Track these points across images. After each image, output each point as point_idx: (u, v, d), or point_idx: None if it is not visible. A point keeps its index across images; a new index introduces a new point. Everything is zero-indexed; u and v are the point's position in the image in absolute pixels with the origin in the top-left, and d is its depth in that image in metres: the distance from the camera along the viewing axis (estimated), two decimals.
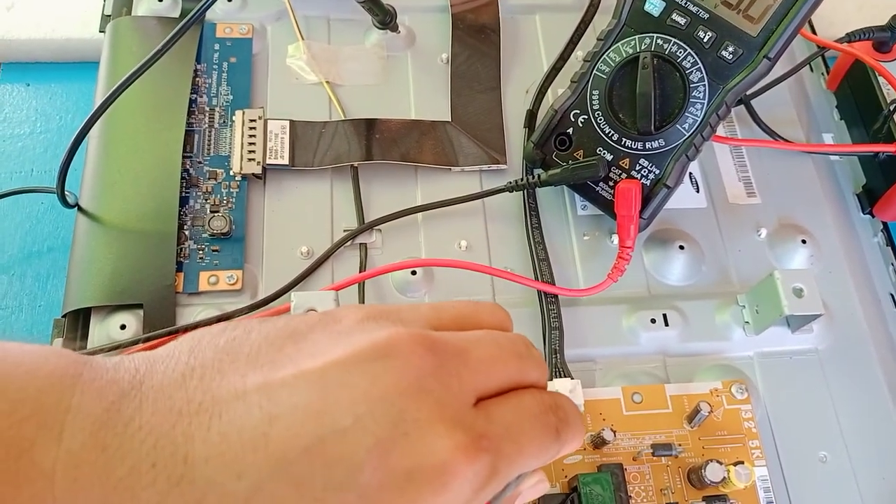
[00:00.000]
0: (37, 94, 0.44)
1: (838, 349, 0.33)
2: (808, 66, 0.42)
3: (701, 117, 0.31)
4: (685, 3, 0.31)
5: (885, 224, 0.39)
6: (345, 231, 0.34)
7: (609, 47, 0.32)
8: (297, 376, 0.17)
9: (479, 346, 0.19)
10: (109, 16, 0.39)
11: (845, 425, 0.32)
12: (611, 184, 0.33)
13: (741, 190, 0.37)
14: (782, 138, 0.38)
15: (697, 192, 0.37)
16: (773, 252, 0.36)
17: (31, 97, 0.44)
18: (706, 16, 0.30)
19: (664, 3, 0.31)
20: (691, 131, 0.32)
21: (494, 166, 0.36)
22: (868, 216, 0.39)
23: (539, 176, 0.34)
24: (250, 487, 0.15)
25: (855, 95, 0.41)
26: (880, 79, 0.38)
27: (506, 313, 0.21)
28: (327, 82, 0.37)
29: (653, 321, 0.33)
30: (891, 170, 0.37)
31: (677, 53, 0.31)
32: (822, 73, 0.43)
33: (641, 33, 0.31)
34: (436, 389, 0.17)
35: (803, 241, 0.35)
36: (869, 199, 0.39)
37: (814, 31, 0.43)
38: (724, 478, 0.28)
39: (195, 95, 0.36)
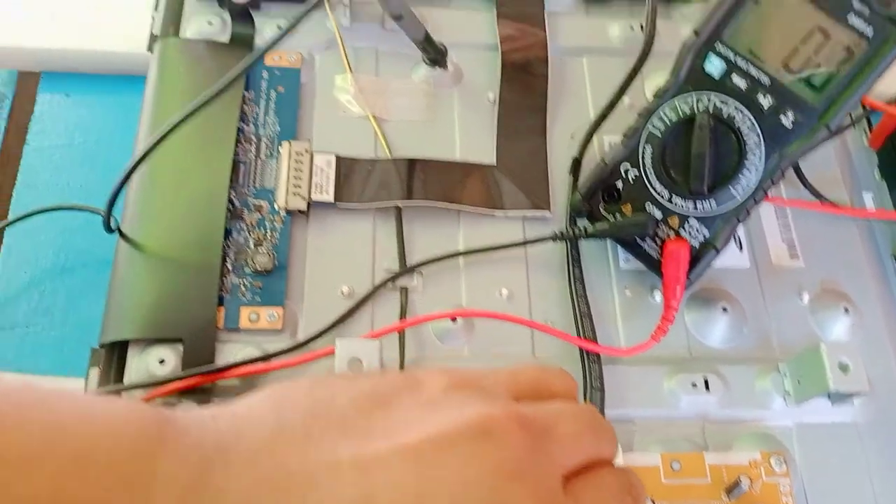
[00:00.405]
0: (76, 105, 0.44)
1: (878, 423, 0.33)
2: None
3: (755, 182, 0.31)
4: (747, 67, 0.30)
5: None
6: (386, 272, 0.34)
7: (665, 104, 0.32)
8: (391, 452, 0.17)
9: (563, 422, 0.19)
10: (157, 36, 0.38)
11: (881, 501, 0.31)
12: (658, 241, 0.33)
13: (784, 251, 0.37)
14: (827, 200, 0.38)
15: (741, 250, 0.36)
16: (814, 318, 0.35)
17: (69, 108, 0.44)
18: (767, 81, 0.30)
19: (725, 65, 0.31)
20: (744, 195, 0.31)
21: (538, 213, 0.36)
22: None
23: (585, 228, 0.33)
24: None
25: None
26: None
27: (573, 381, 0.22)
28: (374, 117, 0.37)
29: (694, 385, 0.32)
30: None
31: (735, 116, 0.31)
32: (865, 131, 0.43)
33: (700, 92, 0.31)
34: (531, 472, 0.17)
35: (846, 310, 0.35)
36: None
37: None
38: None
39: (242, 124, 0.36)
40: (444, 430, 0.17)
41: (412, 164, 0.36)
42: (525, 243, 0.35)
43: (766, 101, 0.30)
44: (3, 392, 0.16)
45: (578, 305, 0.33)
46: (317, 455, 0.16)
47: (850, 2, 0.28)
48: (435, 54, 0.37)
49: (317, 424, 0.17)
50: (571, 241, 0.34)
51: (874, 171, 0.42)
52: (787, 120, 0.30)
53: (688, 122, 0.31)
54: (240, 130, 0.36)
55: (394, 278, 0.34)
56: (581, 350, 0.32)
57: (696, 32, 0.30)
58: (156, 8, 0.39)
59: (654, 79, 0.39)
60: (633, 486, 0.20)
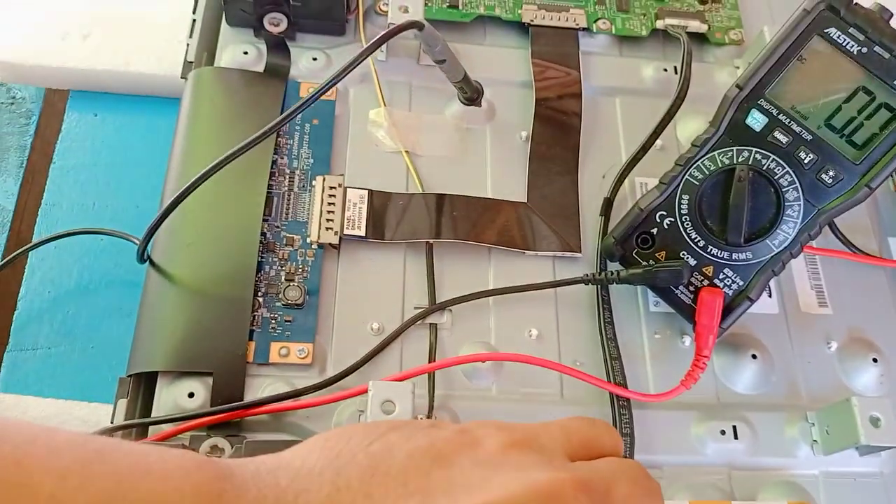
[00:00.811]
0: (104, 124, 0.44)
1: None
2: None
3: (792, 236, 0.31)
4: (789, 122, 0.30)
5: None
6: (416, 308, 0.34)
7: (704, 155, 0.32)
8: None
9: (619, 484, 0.20)
10: (192, 63, 0.38)
11: None
12: (691, 288, 0.33)
13: (813, 299, 0.37)
14: (856, 248, 0.38)
15: (770, 297, 0.36)
16: (842, 367, 0.35)
17: (97, 128, 0.44)
18: (809, 137, 0.30)
19: (767, 119, 0.31)
20: (781, 248, 0.31)
21: (568, 254, 0.36)
22: None
23: (618, 273, 0.33)
24: None
25: None
26: None
27: (619, 437, 0.23)
28: (406, 152, 0.37)
29: (723, 433, 0.32)
30: None
31: (775, 170, 0.31)
32: (892, 177, 0.43)
33: (740, 146, 0.31)
34: None
35: (874, 360, 0.35)
36: None
37: None
38: None
39: (276, 157, 0.36)
40: (508, 495, 0.17)
41: (444, 199, 0.36)
42: (556, 284, 0.35)
43: (807, 157, 0.31)
44: (66, 444, 0.16)
45: (608, 349, 0.33)
46: None
47: None
48: (472, 93, 0.37)
49: (375, 482, 0.17)
50: (603, 284, 0.34)
51: None
52: (828, 176, 0.30)
53: (727, 172, 0.32)
54: (273, 163, 0.36)
55: (423, 316, 0.33)
56: (611, 394, 0.32)
57: (739, 86, 0.30)
58: (191, 35, 0.39)
59: (686, 121, 0.40)
60: None
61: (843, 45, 0.29)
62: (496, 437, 0.19)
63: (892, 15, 0.30)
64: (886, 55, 0.29)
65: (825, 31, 0.29)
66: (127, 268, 0.40)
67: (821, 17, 0.29)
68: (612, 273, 0.34)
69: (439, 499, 0.17)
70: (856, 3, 0.29)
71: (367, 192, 0.35)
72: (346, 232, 0.34)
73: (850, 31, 0.29)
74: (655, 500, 0.21)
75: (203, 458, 0.17)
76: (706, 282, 0.32)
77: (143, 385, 0.32)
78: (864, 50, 0.29)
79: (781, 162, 0.31)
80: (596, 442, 0.22)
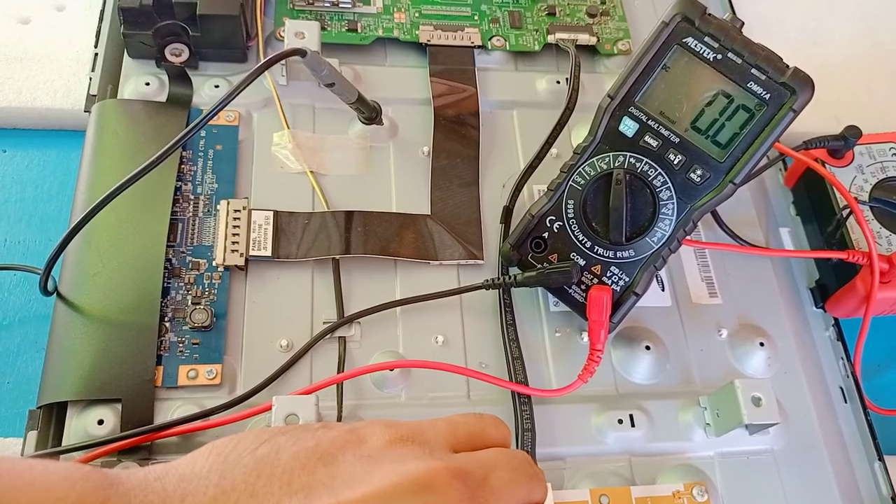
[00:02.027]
0: (13, 161, 0.44)
1: (792, 449, 0.35)
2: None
3: (669, 232, 0.33)
4: (657, 127, 0.33)
5: (836, 319, 0.41)
6: (324, 323, 0.35)
7: (584, 161, 0.34)
8: None
9: (497, 471, 0.21)
10: (95, 96, 0.39)
11: None
12: (583, 287, 0.35)
13: (704, 290, 0.39)
14: (744, 241, 0.40)
15: (663, 290, 0.39)
16: (733, 353, 0.38)
17: (6, 164, 0.44)
18: (677, 140, 0.32)
19: (638, 126, 0.33)
20: (659, 244, 0.33)
21: (472, 261, 0.37)
22: (820, 310, 0.42)
23: (515, 277, 0.35)
24: None
25: (810, 195, 0.43)
26: None
27: (507, 428, 0.24)
28: (311, 172, 0.38)
29: (620, 422, 0.34)
30: (842, 271, 0.40)
31: (648, 173, 0.33)
32: (780, 170, 0.46)
33: (615, 151, 0.33)
34: None
35: (761, 344, 0.37)
36: (821, 294, 0.42)
37: None
38: None
39: (180, 183, 0.37)
40: (386, 485, 0.18)
41: (349, 215, 0.37)
42: (459, 291, 0.36)
43: (676, 159, 0.33)
44: None
45: (510, 350, 0.35)
46: None
47: (750, 69, 0.31)
48: (370, 113, 0.38)
49: (260, 483, 0.17)
50: (503, 288, 0.36)
51: (790, 207, 0.45)
52: (696, 175, 0.33)
53: (606, 177, 0.33)
54: (177, 189, 0.36)
55: (332, 330, 0.35)
56: (513, 392, 0.34)
57: (611, 96, 0.32)
58: (93, 69, 0.39)
59: (579, 129, 0.42)
60: None
61: (701, 52, 0.32)
62: (381, 433, 0.20)
63: (743, 24, 0.32)
64: (739, 60, 0.31)
65: (683, 41, 0.32)
66: (40, 302, 0.40)
67: (678, 28, 0.32)
68: (510, 277, 0.35)
69: (321, 494, 0.18)
70: (709, 14, 0.32)
71: (272, 213, 0.36)
72: (251, 253, 0.35)
73: (705, 39, 0.31)
74: (536, 485, 0.22)
75: (89, 469, 0.17)
76: (595, 280, 0.34)
77: (54, 416, 0.32)
78: (720, 56, 0.31)
79: (654, 164, 0.33)
80: (482, 434, 0.23)
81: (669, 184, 0.33)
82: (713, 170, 0.32)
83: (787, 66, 0.31)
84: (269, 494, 0.17)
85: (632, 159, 0.33)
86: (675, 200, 0.33)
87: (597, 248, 0.34)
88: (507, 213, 0.39)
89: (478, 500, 0.19)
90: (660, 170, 0.33)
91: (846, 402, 0.39)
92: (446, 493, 0.19)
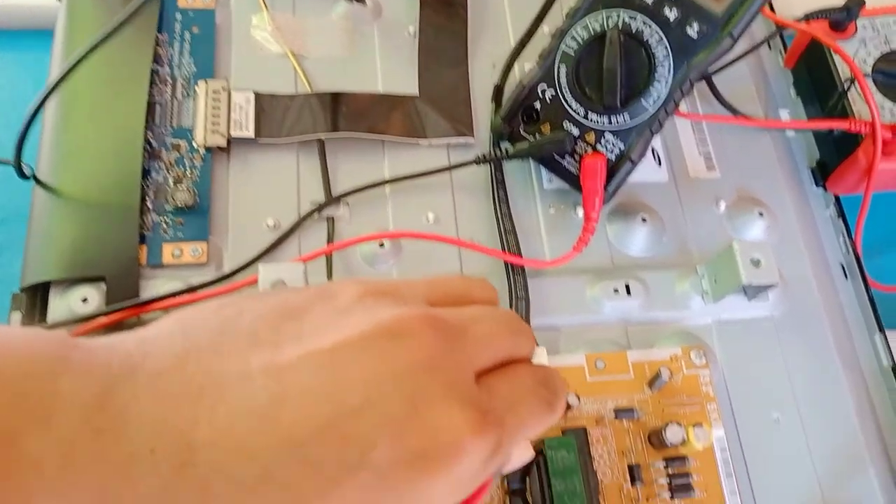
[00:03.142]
0: None
1: (792, 316, 0.35)
2: (766, 44, 0.43)
3: (665, 93, 0.32)
4: None
5: (836, 197, 0.40)
6: (312, 204, 0.34)
7: (577, 23, 0.32)
8: (303, 357, 0.16)
9: (479, 323, 0.19)
10: None
11: (797, 388, 0.33)
12: (576, 157, 0.34)
13: (701, 164, 0.38)
14: (742, 114, 0.39)
15: (659, 165, 0.38)
16: (731, 224, 0.37)
17: None
18: None
19: None
20: (655, 107, 0.32)
21: (462, 139, 0.36)
22: (821, 189, 0.41)
23: (506, 150, 0.34)
24: (261, 471, 0.15)
25: (811, 73, 0.42)
26: (836, 56, 0.40)
27: (493, 289, 0.22)
28: (293, 54, 0.37)
29: (615, 291, 0.33)
30: (843, 146, 0.39)
31: (643, 30, 0.31)
32: (780, 51, 0.44)
33: (609, 8, 0.32)
34: (445, 368, 0.17)
35: (760, 214, 0.36)
36: (822, 172, 0.41)
37: (772, 10, 0.44)
38: (684, 439, 0.29)
39: (157, 66, 0.35)
40: (357, 333, 0.17)
41: (334, 97, 0.36)
42: (449, 168, 0.35)
43: (671, 14, 0.31)
44: None
45: (503, 224, 0.34)
46: (226, 367, 0.16)
47: None
48: None
49: (225, 340, 0.17)
50: (494, 162, 0.35)
51: (790, 89, 0.43)
52: (693, 31, 0.31)
53: (599, 39, 0.32)
54: (155, 72, 0.35)
55: (320, 208, 0.34)
56: (506, 264, 0.33)
57: None
58: None
59: (571, 4, 0.40)
60: (550, 380, 0.20)
61: None
62: (352, 289, 0.19)
63: None
64: None
65: None
66: (23, 199, 0.40)
67: None
68: (502, 151, 0.34)
69: (289, 347, 0.17)
70: None
71: (252, 93, 0.35)
72: (233, 134, 0.34)
73: None
74: (523, 340, 0.21)
75: (52, 332, 0.16)
76: (589, 149, 0.33)
77: (39, 298, 0.31)
78: None
79: (649, 21, 0.31)
80: (466, 294, 0.21)
81: (665, 41, 0.31)
82: (710, 24, 0.31)
83: None
84: (235, 350, 0.16)
85: (626, 17, 0.32)
86: (671, 59, 0.32)
87: (590, 115, 0.33)
88: (498, 91, 0.37)
89: (454, 349, 0.18)
90: (655, 27, 0.31)
91: (847, 278, 0.38)
92: (420, 339, 0.17)
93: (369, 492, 0.16)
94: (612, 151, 0.33)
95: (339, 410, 0.16)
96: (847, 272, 0.38)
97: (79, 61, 0.29)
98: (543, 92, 0.34)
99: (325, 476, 0.15)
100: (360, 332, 0.17)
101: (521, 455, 0.22)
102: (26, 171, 0.33)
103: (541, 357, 0.29)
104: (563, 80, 0.33)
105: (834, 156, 0.40)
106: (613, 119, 0.33)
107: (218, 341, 0.17)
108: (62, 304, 0.30)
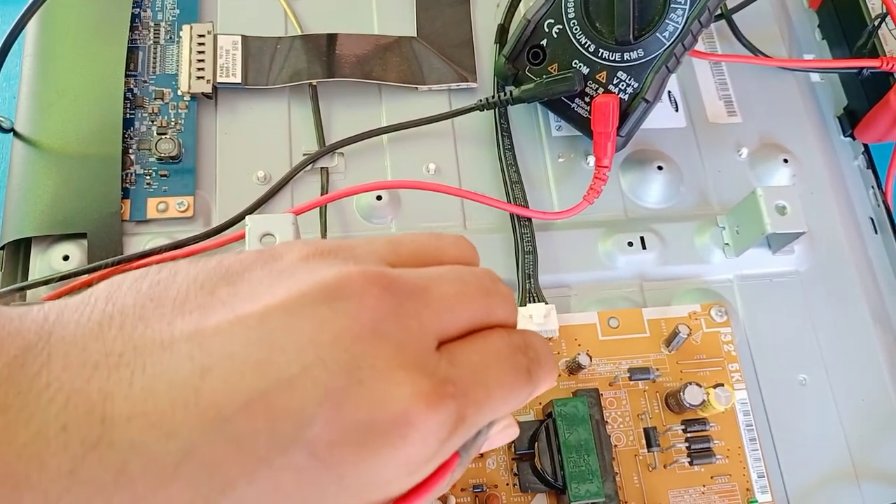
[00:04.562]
0: None
1: (819, 271, 0.33)
2: None
3: (682, 24, 0.29)
4: None
5: (865, 146, 0.38)
6: (304, 155, 0.32)
7: None
8: (232, 322, 0.14)
9: (441, 284, 0.17)
10: None
11: (825, 348, 0.31)
12: (587, 100, 0.31)
13: (721, 109, 0.35)
14: (764, 55, 0.36)
15: (676, 111, 0.35)
16: (753, 172, 0.34)
17: None
18: None
19: None
20: (672, 40, 0.30)
21: (464, 84, 0.34)
22: (849, 139, 0.38)
23: (511, 92, 0.32)
24: (181, 449, 0.13)
25: (838, 12, 0.39)
26: None
27: (471, 246, 0.19)
28: None
29: (630, 244, 0.31)
30: (874, 88, 0.36)
31: None
32: None
33: None
34: (393, 333, 0.15)
35: (785, 161, 0.34)
36: (850, 120, 0.38)
37: None
38: (704, 401, 0.27)
39: (138, 9, 0.33)
40: (293, 295, 0.15)
41: (325, 39, 0.33)
42: (451, 115, 0.33)
43: None
44: None
45: (509, 174, 0.32)
46: (149, 334, 0.14)
47: None
48: None
49: (151, 305, 0.15)
50: (499, 107, 0.33)
51: (815, 32, 0.41)
52: None
53: None
54: (136, 16, 0.33)
55: (313, 160, 0.32)
56: (512, 216, 0.31)
57: None
58: None
59: None
60: (531, 347, 0.18)
61: None
62: (299, 248, 0.17)
63: None
64: None
65: None
66: (3, 156, 0.38)
67: None
68: (506, 94, 0.32)
69: (218, 311, 0.15)
70: None
71: (240, 37, 0.33)
72: (219, 80, 0.32)
73: None
74: (498, 304, 0.18)
75: None
76: (601, 89, 0.31)
77: (21, 255, 0.30)
78: None
79: None
80: (434, 253, 0.18)
81: None
82: None
83: None
84: (160, 316, 0.14)
85: None
86: None
87: (601, 51, 0.30)
88: (503, 31, 0.35)
89: (406, 312, 0.16)
90: None
91: (877, 232, 0.36)
92: (363, 300, 0.15)
93: (305, 472, 0.14)
94: (625, 91, 0.31)
95: (270, 381, 0.14)
96: (877, 227, 0.36)
97: None
98: (550, 27, 0.31)
99: (253, 455, 0.13)
100: (297, 293, 0.15)
101: (504, 433, 0.20)
102: (5, 125, 0.31)
103: (550, 316, 0.28)
104: (572, 13, 0.31)
105: (863, 101, 0.37)
106: (626, 55, 0.30)
107: (144, 305, 0.15)
108: (44, 262, 0.29)
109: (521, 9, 0.35)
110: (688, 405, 0.27)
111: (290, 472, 0.14)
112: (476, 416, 0.16)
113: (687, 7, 0.29)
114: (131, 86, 0.32)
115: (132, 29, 0.32)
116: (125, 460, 0.13)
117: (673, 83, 0.35)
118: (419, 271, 0.17)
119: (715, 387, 0.27)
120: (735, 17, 0.37)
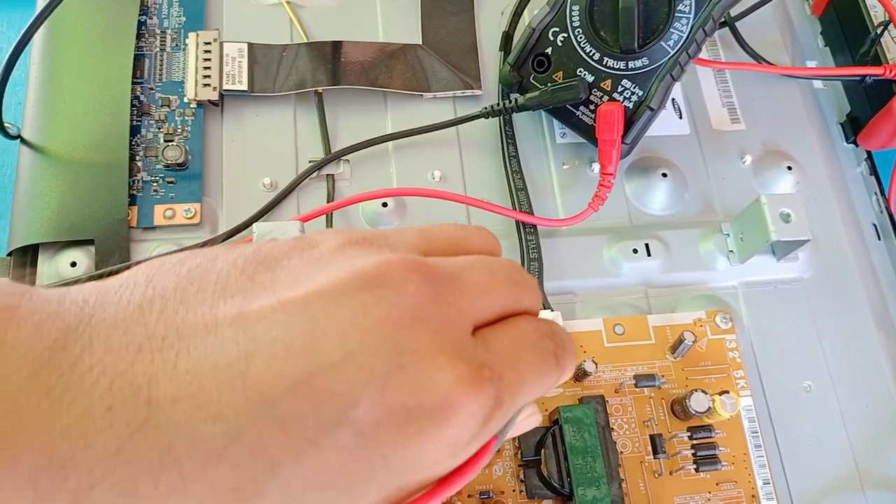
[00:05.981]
0: None
1: (823, 278, 0.33)
2: None
3: (686, 33, 0.30)
4: None
5: (868, 153, 0.38)
6: (310, 161, 0.32)
7: None
8: (275, 308, 0.15)
9: (473, 272, 0.17)
10: None
11: (829, 354, 0.31)
12: (591, 107, 0.31)
13: (725, 116, 0.36)
14: (767, 62, 0.37)
15: (680, 118, 0.35)
16: (757, 179, 0.34)
17: None
18: None
19: None
20: (676, 48, 0.30)
21: (468, 92, 0.34)
22: (852, 146, 0.38)
23: (516, 100, 0.32)
24: (228, 431, 0.13)
25: (841, 20, 0.39)
26: (867, 1, 0.37)
27: (494, 237, 0.20)
28: (287, 2, 0.35)
29: (635, 251, 0.31)
30: (876, 95, 0.36)
31: None
32: (807, 0, 0.42)
33: None
34: (433, 319, 0.16)
35: (789, 168, 0.34)
36: (853, 127, 0.38)
37: None
38: (709, 408, 0.27)
39: (144, 17, 0.33)
40: (334, 281, 0.15)
41: (331, 46, 0.34)
42: (456, 122, 0.33)
43: None
44: None
45: (514, 181, 0.32)
46: (192, 318, 0.14)
47: None
48: None
49: (192, 288, 0.15)
50: (503, 115, 0.33)
51: (817, 38, 0.41)
52: None
53: None
54: (142, 24, 0.33)
55: (319, 167, 0.32)
56: (517, 223, 0.31)
57: None
58: None
59: None
60: (556, 334, 0.18)
61: None
62: (335, 237, 0.17)
63: None
64: None
65: None
66: (11, 164, 0.38)
67: None
68: (511, 101, 0.32)
69: (260, 296, 0.15)
70: None
71: (246, 45, 0.33)
72: (226, 87, 0.32)
73: None
74: (525, 293, 0.18)
75: (4, 281, 0.14)
76: (605, 97, 0.31)
77: (28, 262, 0.30)
78: None
79: None
80: (461, 243, 0.19)
81: None
82: None
83: None
84: (202, 300, 0.15)
85: None
86: None
87: (606, 59, 0.30)
88: (507, 39, 0.35)
89: (444, 299, 0.16)
90: None
91: (880, 238, 0.36)
92: (404, 287, 0.15)
93: (350, 453, 0.14)
94: (629, 99, 0.31)
95: (315, 365, 0.14)
96: (880, 233, 0.36)
97: (53, 4, 0.27)
98: (555, 36, 0.31)
99: (299, 436, 0.13)
100: (338, 280, 0.15)
101: (529, 420, 0.21)
102: (12, 131, 0.31)
103: (556, 322, 0.28)
104: (577, 21, 0.31)
105: (866, 108, 0.37)
106: (631, 63, 0.30)
107: (185, 289, 0.15)
108: (51, 268, 0.29)
109: (526, 17, 0.36)
110: (693, 412, 0.27)
111: (336, 452, 0.14)
112: (511, 400, 0.16)
113: (691, 16, 0.29)
114: (138, 93, 0.32)
115: (139, 36, 0.33)
116: (171, 441, 0.13)
117: (677, 91, 0.36)
118: (452, 260, 0.17)
119: (720, 393, 0.27)
120: (738, 24, 0.37)
